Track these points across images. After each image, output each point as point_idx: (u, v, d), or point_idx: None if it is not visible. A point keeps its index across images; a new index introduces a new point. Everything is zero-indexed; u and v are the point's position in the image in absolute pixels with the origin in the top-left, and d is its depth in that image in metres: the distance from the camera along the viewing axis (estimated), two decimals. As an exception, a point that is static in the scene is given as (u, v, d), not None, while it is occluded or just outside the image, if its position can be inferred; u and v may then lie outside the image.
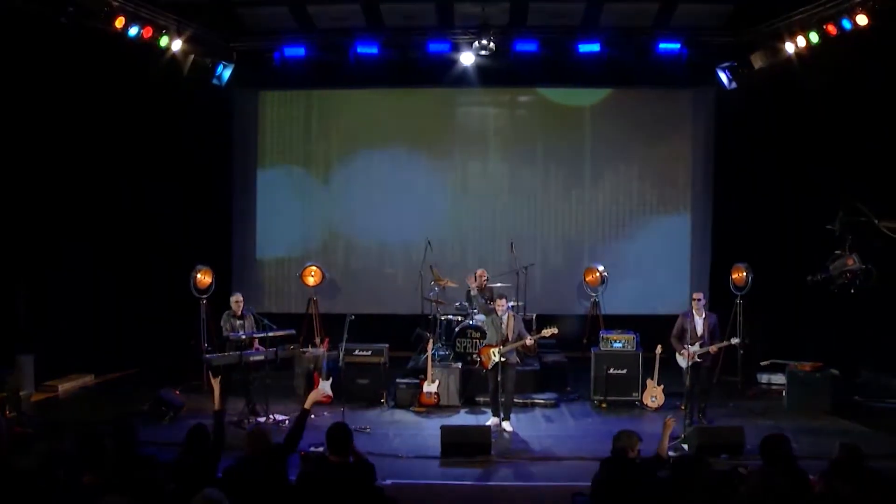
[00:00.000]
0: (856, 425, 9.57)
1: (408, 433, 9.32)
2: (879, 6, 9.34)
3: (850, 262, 9.62)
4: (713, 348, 9.34)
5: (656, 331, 10.62)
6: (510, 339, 9.38)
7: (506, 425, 9.36)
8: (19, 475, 4.42)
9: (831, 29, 10.02)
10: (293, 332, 10.33)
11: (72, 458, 4.55)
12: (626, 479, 5.29)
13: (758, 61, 11.42)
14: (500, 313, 9.47)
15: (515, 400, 9.95)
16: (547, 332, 9.40)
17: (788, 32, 10.73)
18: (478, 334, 10.86)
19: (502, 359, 9.29)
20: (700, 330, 9.33)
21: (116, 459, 4.77)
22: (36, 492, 4.23)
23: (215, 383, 6.14)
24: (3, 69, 9.89)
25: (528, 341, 9.57)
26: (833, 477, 4.80)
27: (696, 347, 9.23)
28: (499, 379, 9.26)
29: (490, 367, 9.38)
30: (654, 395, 10.35)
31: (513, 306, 10.75)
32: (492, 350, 9.37)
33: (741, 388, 11.16)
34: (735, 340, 9.58)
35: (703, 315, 9.37)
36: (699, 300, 9.46)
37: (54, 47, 10.14)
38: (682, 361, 9.38)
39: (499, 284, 11.44)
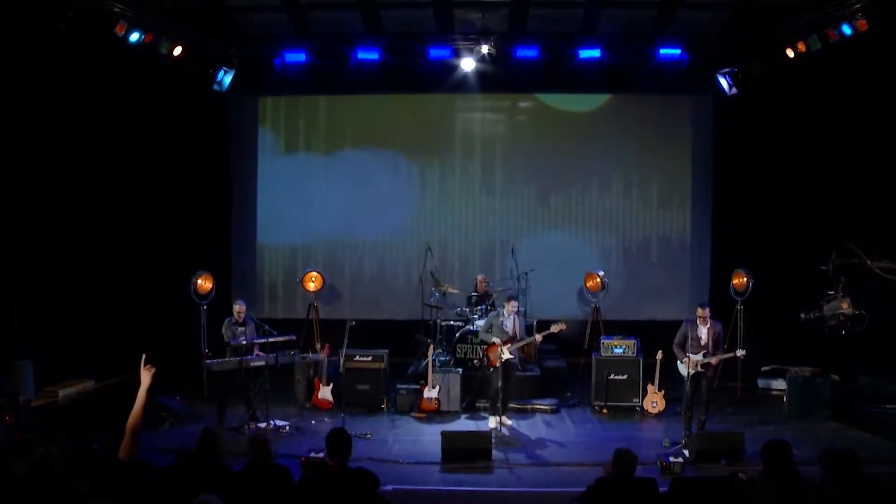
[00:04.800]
0: (855, 431, 9.55)
1: (408, 439, 9.31)
2: (879, 13, 9.36)
3: (844, 305, 9.66)
4: (715, 360, 8.95)
5: (657, 336, 10.61)
6: (517, 338, 9.63)
7: (505, 419, 9.58)
8: (15, 481, 4.41)
9: (831, 35, 10.03)
10: (293, 337, 10.30)
11: (66, 463, 4.53)
12: (629, 496, 5.26)
13: (758, 67, 11.44)
14: (508, 315, 9.67)
15: (516, 406, 10.28)
16: (555, 327, 9.63)
17: (788, 38, 10.76)
18: (478, 340, 10.86)
19: (510, 356, 9.46)
20: (704, 339, 8.93)
21: (110, 465, 4.75)
22: (29, 497, 4.21)
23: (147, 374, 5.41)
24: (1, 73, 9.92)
25: (538, 338, 9.84)
26: (829, 483, 4.78)
27: (699, 357, 8.87)
28: (499, 382, 9.32)
29: (498, 364, 9.42)
30: (654, 400, 10.34)
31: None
32: (500, 348, 9.46)
33: (740, 393, 11.16)
34: (740, 353, 9.19)
35: (709, 324, 8.98)
36: (704, 317, 8.96)
37: (50, 51, 10.16)
38: (684, 370, 9.05)
39: (500, 289, 11.43)
